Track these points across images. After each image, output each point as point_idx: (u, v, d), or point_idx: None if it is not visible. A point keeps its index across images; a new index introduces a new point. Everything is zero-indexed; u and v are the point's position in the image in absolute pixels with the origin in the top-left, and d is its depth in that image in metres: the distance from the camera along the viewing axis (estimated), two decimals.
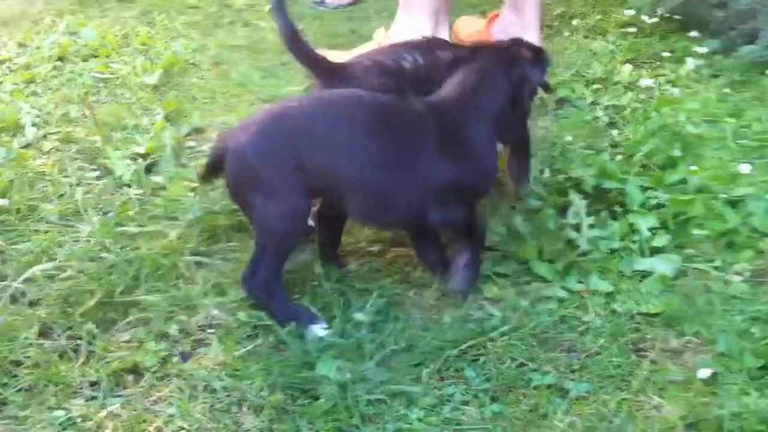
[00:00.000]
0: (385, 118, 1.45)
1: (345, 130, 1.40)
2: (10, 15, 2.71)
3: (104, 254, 1.55)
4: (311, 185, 1.40)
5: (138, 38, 2.51)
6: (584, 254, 1.56)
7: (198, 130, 2.01)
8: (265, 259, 1.41)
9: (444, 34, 2.10)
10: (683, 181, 1.72)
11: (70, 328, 1.39)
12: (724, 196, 1.67)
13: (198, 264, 1.54)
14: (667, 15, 2.53)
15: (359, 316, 1.40)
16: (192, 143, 1.95)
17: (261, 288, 1.41)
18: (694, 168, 1.75)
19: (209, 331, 1.40)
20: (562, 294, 1.47)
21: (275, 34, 2.54)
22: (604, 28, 2.53)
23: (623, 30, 2.51)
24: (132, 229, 1.62)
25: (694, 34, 2.44)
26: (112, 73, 2.29)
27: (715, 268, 1.52)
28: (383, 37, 2.10)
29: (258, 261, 1.41)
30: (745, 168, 1.77)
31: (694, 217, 1.61)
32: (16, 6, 2.80)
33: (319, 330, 1.38)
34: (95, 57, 2.39)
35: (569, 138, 1.92)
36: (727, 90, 2.14)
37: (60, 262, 1.53)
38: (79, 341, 1.36)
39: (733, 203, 1.66)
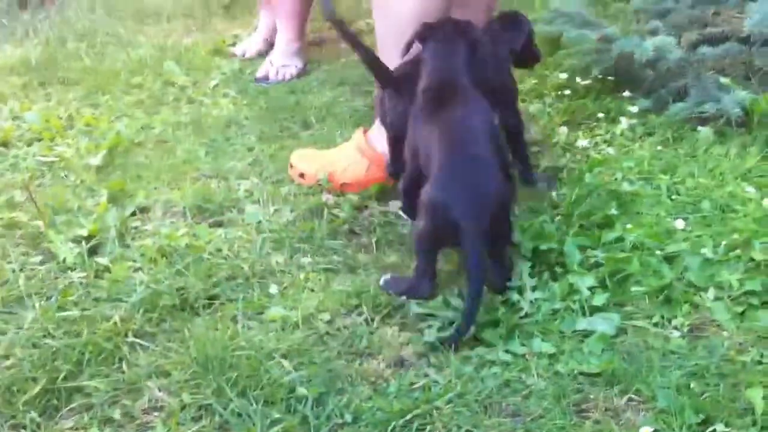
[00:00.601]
0: None
1: None
2: None
3: (47, 340, 1.54)
4: None
5: (82, 120, 2.52)
6: (527, 316, 1.59)
7: (143, 209, 2.02)
8: None
9: None
10: (620, 239, 1.76)
11: (13, 417, 1.38)
12: (660, 252, 1.71)
13: (141, 346, 1.53)
14: (601, 76, 2.62)
15: (303, 390, 1.40)
16: (137, 223, 1.96)
17: None
18: (629, 226, 1.80)
19: (154, 414, 1.39)
20: (506, 357, 1.49)
21: (218, 110, 2.61)
22: (540, 91, 2.61)
23: (559, 93, 2.59)
24: (75, 313, 1.61)
25: (627, 93, 2.52)
26: (56, 156, 2.29)
27: (654, 324, 1.55)
28: (360, 138, 2.13)
29: None
30: (679, 223, 1.83)
31: (631, 274, 1.65)
32: None
33: None
34: (39, 140, 2.39)
35: None
36: (661, 147, 2.21)
37: (2, 350, 1.52)
38: (23, 431, 1.34)
39: (669, 259, 1.70)
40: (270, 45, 3.18)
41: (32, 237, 1.87)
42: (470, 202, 1.56)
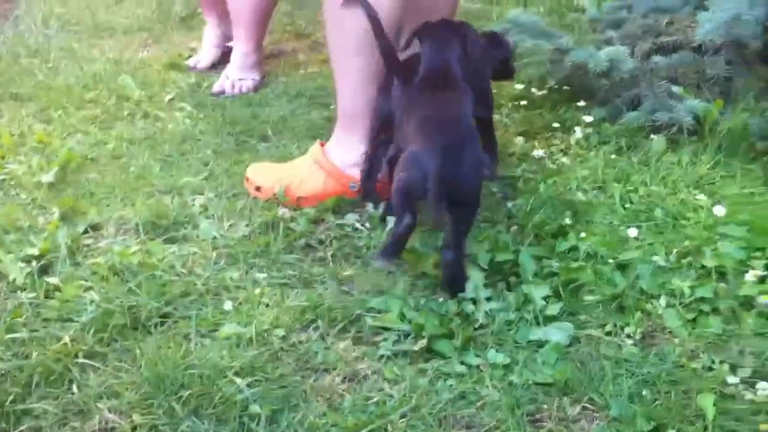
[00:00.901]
0: None
1: None
2: None
3: None
4: None
5: (34, 136, 2.48)
6: (482, 327, 1.59)
7: (95, 227, 1.99)
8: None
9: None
10: (574, 248, 1.78)
11: None
12: (613, 260, 1.73)
13: (92, 367, 1.50)
14: (556, 86, 2.64)
15: (256, 408, 1.38)
16: (89, 241, 1.93)
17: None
18: (583, 235, 1.81)
19: None
20: (462, 369, 1.49)
21: (173, 125, 2.59)
22: (497, 102, 2.62)
23: (515, 103, 2.60)
24: (24, 334, 1.58)
25: (582, 103, 2.54)
26: (7, 174, 2.25)
27: (607, 333, 1.56)
28: (317, 151, 2.13)
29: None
30: (632, 232, 1.84)
31: (585, 283, 1.66)
32: None
33: None
34: None
35: None
36: (614, 156, 2.23)
37: None
38: None
39: (622, 267, 1.72)
40: (221, 52, 3.17)
41: None
42: (445, 159, 1.66)
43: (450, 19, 2.06)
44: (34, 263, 1.79)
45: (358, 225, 1.99)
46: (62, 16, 3.85)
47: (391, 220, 1.91)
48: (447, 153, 1.67)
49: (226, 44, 3.19)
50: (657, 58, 2.56)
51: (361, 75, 2.05)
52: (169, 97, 2.84)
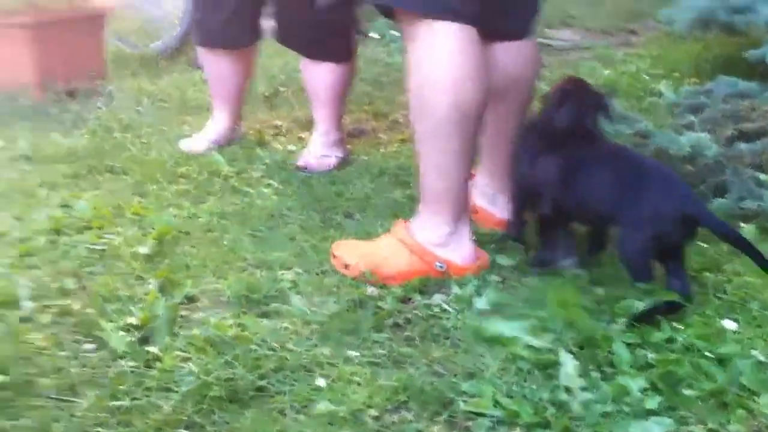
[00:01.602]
0: None
1: None
2: (4, 188, 2.79)
3: (100, 429, 1.55)
4: None
5: (131, 209, 2.58)
6: (577, 418, 1.57)
7: (191, 299, 2.05)
8: None
9: (466, 233, 2.18)
10: (670, 340, 1.76)
11: None
12: (711, 354, 1.71)
13: None
14: None
15: None
16: (185, 312, 1.98)
17: None
18: (678, 326, 1.80)
19: None
20: None
21: (262, 200, 2.67)
22: None
23: None
24: (126, 402, 1.62)
25: None
26: (106, 244, 2.34)
27: (709, 430, 1.53)
28: (401, 229, 2.17)
29: None
30: (729, 324, 1.82)
31: (683, 377, 1.64)
32: (11, 179, 2.88)
33: None
34: (89, 229, 2.44)
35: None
36: (704, 244, 2.21)
37: None
38: None
39: (721, 361, 1.69)
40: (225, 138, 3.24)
41: (85, 325, 1.90)
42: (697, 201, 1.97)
43: (586, 82, 2.19)
44: (134, 332, 1.85)
45: (445, 305, 2.01)
46: (153, 93, 4.02)
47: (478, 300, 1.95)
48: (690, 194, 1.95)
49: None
50: (741, 145, 2.56)
51: (445, 155, 2.09)
52: (256, 174, 2.93)
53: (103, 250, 2.31)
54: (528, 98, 2.36)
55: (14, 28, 3.98)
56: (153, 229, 2.40)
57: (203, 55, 3.22)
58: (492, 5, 2.09)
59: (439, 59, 2.01)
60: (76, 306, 1.98)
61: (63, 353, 1.80)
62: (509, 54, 2.27)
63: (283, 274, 2.17)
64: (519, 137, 2.22)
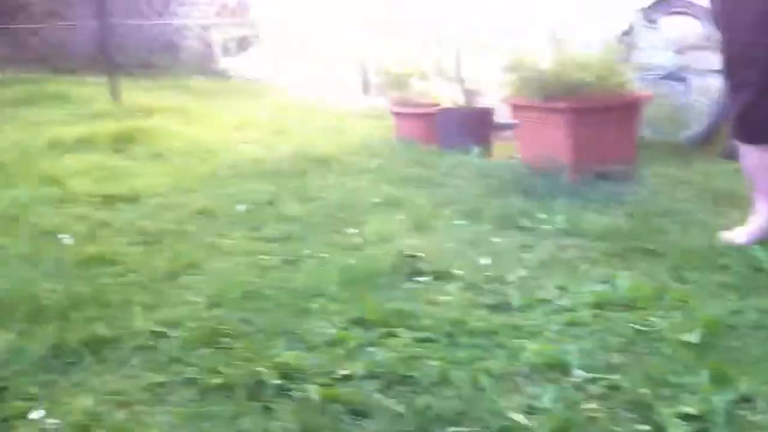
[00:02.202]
0: None
1: None
2: (546, 258, 2.94)
3: None
4: None
5: (671, 293, 2.53)
6: None
7: (745, 398, 1.91)
8: None
9: None
10: None
11: None
12: None
13: None
14: None
15: None
16: (741, 411, 1.85)
17: None
18: None
19: None
20: None
21: None
22: None
23: None
24: None
25: None
26: (649, 326, 2.31)
27: None
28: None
29: None
30: None
31: None
32: (552, 251, 3.03)
33: None
34: (632, 308, 2.44)
35: None
36: None
37: None
38: None
39: None
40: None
41: (636, 404, 1.88)
42: None
43: None
44: (692, 423, 1.78)
45: None
46: (685, 180, 3.98)
47: None
48: None
49: None
50: None
51: None
52: None
53: (647, 331, 2.29)
54: None
55: (557, 113, 4.26)
56: (698, 318, 2.32)
57: (746, 148, 3.10)
58: None
59: None
60: (625, 383, 1.97)
61: (617, 428, 1.79)
62: None
63: None
64: None
